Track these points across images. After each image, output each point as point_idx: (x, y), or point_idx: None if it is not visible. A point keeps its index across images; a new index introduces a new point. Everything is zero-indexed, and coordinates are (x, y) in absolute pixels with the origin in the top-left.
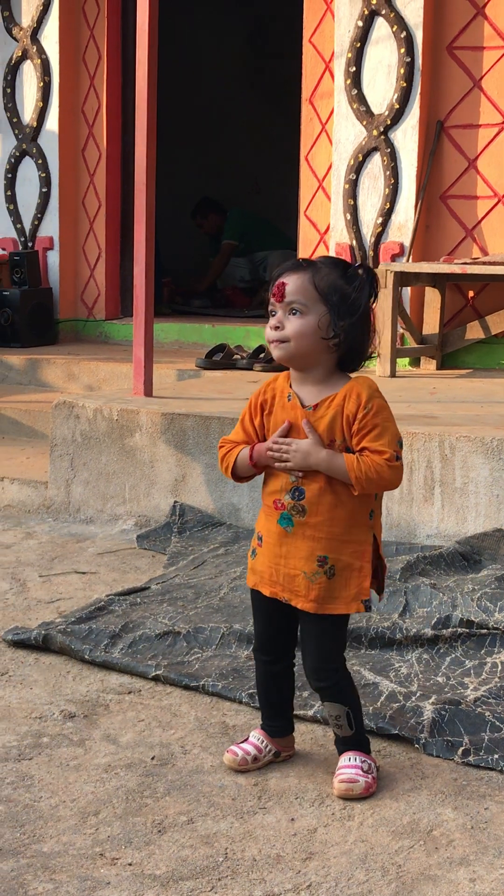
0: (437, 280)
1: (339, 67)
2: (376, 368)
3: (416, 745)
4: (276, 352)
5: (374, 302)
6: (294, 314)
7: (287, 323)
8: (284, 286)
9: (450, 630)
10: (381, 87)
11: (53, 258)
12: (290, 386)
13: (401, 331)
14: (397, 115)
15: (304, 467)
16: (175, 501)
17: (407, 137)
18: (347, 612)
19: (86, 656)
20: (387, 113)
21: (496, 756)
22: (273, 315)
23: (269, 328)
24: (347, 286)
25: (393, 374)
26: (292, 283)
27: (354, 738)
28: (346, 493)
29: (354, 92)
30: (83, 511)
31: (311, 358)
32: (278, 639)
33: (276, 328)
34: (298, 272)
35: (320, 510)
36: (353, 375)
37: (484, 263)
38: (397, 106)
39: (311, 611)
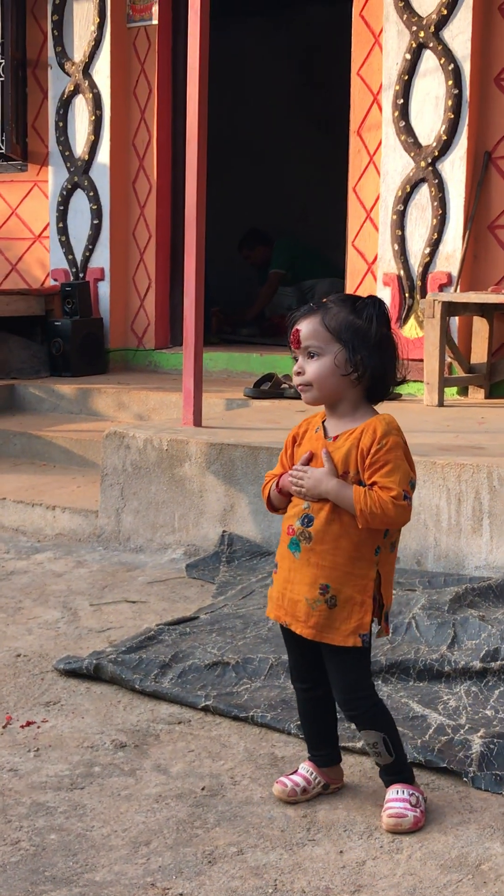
0: (485, 310)
1: (387, 99)
2: (424, 398)
3: (465, 779)
4: (303, 396)
5: (386, 329)
6: (312, 357)
7: (307, 367)
8: (299, 332)
9: (499, 663)
10: (428, 119)
11: (104, 289)
12: (323, 420)
13: (449, 360)
14: (445, 147)
15: (316, 494)
16: (224, 531)
17: (455, 168)
18: (344, 645)
19: (136, 686)
20: (434, 144)
21: None
22: (296, 360)
23: (293, 374)
24: (358, 320)
25: (441, 404)
26: (305, 327)
27: (397, 767)
28: (353, 526)
29: (402, 124)
30: (133, 540)
31: (336, 395)
32: (310, 666)
33: (299, 373)
34: (310, 316)
35: (326, 538)
36: (380, 411)
37: None
38: (445, 137)
39: (309, 637)
